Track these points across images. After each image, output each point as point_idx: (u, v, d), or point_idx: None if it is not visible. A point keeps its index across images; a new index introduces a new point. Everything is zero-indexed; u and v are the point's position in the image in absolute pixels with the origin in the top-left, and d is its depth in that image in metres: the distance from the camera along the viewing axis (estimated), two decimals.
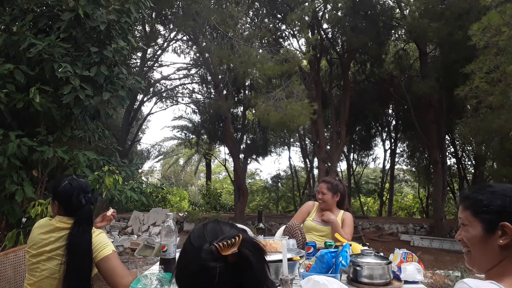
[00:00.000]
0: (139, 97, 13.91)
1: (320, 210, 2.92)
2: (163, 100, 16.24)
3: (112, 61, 3.28)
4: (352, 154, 17.89)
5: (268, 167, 68.50)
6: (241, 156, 14.38)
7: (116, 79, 3.30)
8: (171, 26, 11.82)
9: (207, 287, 0.77)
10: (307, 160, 16.99)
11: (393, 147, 16.34)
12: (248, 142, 15.88)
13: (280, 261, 1.72)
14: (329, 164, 11.47)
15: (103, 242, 1.65)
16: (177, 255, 0.99)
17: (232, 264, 0.77)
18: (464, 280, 0.88)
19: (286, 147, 18.74)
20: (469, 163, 15.48)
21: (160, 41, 13.27)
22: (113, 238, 7.68)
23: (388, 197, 16.48)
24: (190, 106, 16.69)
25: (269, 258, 1.83)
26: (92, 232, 1.67)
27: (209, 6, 9.20)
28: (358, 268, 1.74)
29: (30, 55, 2.89)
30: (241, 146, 14.55)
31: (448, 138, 14.28)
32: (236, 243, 0.78)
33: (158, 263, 1.82)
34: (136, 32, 10.99)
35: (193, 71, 15.25)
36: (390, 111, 15.63)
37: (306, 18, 9.52)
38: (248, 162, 16.51)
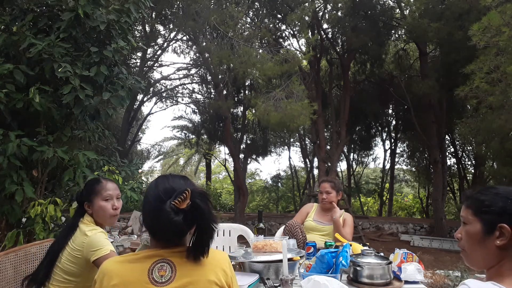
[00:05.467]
0: (139, 97, 13.93)
1: (322, 210, 2.90)
2: (163, 100, 16.25)
3: (112, 61, 3.27)
4: (352, 154, 17.89)
5: (268, 167, 68.39)
6: (241, 156, 14.38)
7: (116, 79, 3.29)
8: (171, 26, 11.82)
9: (177, 231, 1.03)
10: (307, 160, 16.99)
11: (393, 147, 16.34)
12: (248, 142, 15.87)
13: (280, 261, 1.72)
14: (329, 164, 11.47)
15: (100, 242, 1.66)
16: None
17: (188, 211, 1.03)
18: (466, 282, 0.89)
19: (286, 147, 18.75)
20: (469, 163, 15.49)
21: (160, 41, 13.28)
22: (113, 238, 7.67)
23: (388, 197, 16.48)
24: (190, 106, 16.72)
25: (269, 258, 1.84)
26: (91, 230, 1.69)
27: (209, 6, 9.20)
28: (358, 268, 1.73)
29: (30, 55, 2.88)
30: (241, 146, 14.55)
31: (448, 138, 14.28)
32: (188, 196, 1.03)
33: None
34: (136, 32, 11.00)
35: (193, 71, 15.27)
36: (390, 111, 15.63)
37: (306, 18, 9.51)
38: (248, 162, 16.51)
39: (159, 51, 13.89)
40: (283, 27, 12.07)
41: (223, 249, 3.23)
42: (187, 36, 12.07)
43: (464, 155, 15.38)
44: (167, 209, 1.01)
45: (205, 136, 16.36)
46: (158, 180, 1.13)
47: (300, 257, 1.92)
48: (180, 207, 1.01)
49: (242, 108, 13.93)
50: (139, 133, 17.37)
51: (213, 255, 1.13)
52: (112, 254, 1.64)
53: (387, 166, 17.04)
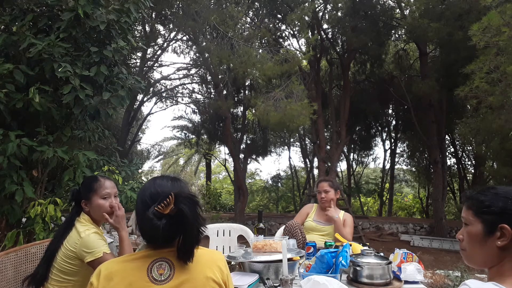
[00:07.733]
0: (139, 97, 13.92)
1: (322, 210, 2.90)
2: (163, 100, 16.24)
3: (112, 61, 3.27)
4: (352, 154, 17.90)
5: (268, 167, 68.34)
6: (241, 156, 14.38)
7: (116, 79, 3.29)
8: (171, 26, 11.81)
9: (159, 236, 1.02)
10: (307, 160, 16.99)
11: (393, 147, 16.35)
12: (248, 142, 15.88)
13: (280, 261, 1.72)
14: (329, 164, 11.46)
15: (93, 244, 1.65)
16: None
17: (173, 215, 1.02)
18: (467, 282, 0.89)
19: (286, 147, 18.76)
20: (469, 163, 15.50)
21: (160, 41, 13.27)
22: (113, 238, 7.66)
23: (388, 197, 16.48)
24: (190, 106, 16.73)
25: (269, 258, 1.84)
26: (85, 230, 1.69)
27: (209, 6, 9.19)
28: (358, 268, 1.73)
29: (30, 55, 2.88)
30: (241, 146, 14.55)
31: (448, 138, 14.29)
32: (171, 201, 1.02)
33: None
34: (136, 32, 10.99)
35: (193, 71, 15.26)
36: (390, 111, 15.64)
37: (306, 18, 9.51)
38: (248, 162, 16.51)
39: (159, 51, 13.89)
40: (283, 27, 12.08)
41: (223, 249, 3.23)
42: (187, 36, 12.06)
43: (464, 155, 15.39)
44: (150, 215, 1.02)
45: (205, 136, 16.36)
46: (146, 184, 1.14)
47: (300, 257, 1.92)
48: (164, 212, 1.02)
49: (242, 108, 13.93)
50: (139, 133, 17.37)
51: (209, 253, 1.15)
52: (105, 256, 1.63)
53: (387, 166, 17.05)
